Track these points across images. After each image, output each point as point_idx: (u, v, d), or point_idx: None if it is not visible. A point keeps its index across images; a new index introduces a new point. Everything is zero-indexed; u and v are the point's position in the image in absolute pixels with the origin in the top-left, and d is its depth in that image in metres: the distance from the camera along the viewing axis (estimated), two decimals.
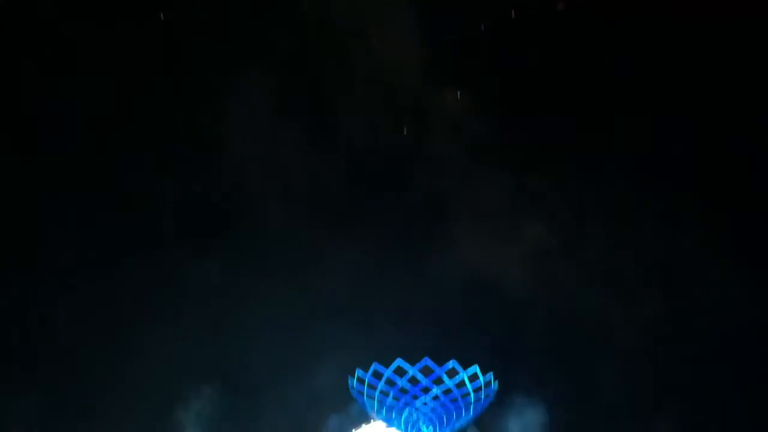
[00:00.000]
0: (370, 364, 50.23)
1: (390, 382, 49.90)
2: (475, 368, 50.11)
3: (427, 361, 49.86)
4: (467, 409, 50.63)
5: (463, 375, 49.90)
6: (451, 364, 49.89)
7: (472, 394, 50.11)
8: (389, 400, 49.96)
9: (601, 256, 55.69)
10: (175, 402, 48.11)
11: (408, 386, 49.72)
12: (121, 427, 46.39)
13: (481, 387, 50.24)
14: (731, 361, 49.66)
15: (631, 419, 50.82)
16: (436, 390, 49.71)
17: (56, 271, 52.34)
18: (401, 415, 50.45)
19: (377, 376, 50.08)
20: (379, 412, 51.46)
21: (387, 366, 50.00)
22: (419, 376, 49.72)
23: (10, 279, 49.78)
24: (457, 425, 52.72)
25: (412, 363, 49.94)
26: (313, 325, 55.67)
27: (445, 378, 49.79)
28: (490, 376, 50.49)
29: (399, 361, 49.92)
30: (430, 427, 50.76)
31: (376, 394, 50.11)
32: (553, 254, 55.45)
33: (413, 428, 50.88)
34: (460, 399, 50.15)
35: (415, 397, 49.89)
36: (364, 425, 57.78)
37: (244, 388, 52.31)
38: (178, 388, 48.23)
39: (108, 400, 47.19)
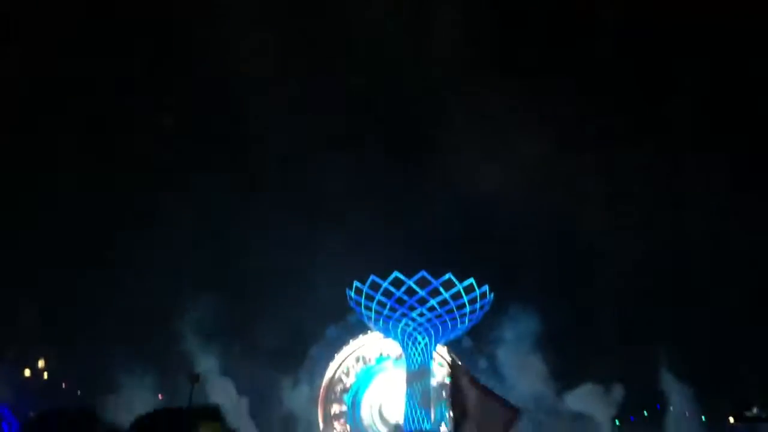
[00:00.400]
0: (368, 276, 50.97)
1: (387, 294, 50.66)
2: (471, 280, 50.79)
3: (423, 273, 50.53)
4: (462, 320, 51.62)
5: (459, 287, 50.62)
6: (448, 276, 50.55)
7: (467, 306, 50.93)
8: (386, 311, 50.78)
9: (600, 171, 55.36)
10: (174, 310, 49.00)
11: (405, 297, 50.45)
12: (121, 333, 47.23)
13: (476, 298, 51.08)
14: (725, 282, 49.99)
15: (624, 330, 51.69)
16: (432, 301, 50.43)
17: (54, 179, 52.11)
18: (398, 326, 51.41)
19: (375, 287, 50.82)
20: (376, 322, 52.52)
21: (385, 278, 50.72)
22: (416, 288, 50.44)
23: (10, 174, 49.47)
24: (452, 336, 53.98)
25: (410, 276, 50.63)
26: (313, 236, 56.12)
27: (442, 290, 50.52)
28: (486, 287, 51.25)
29: (396, 273, 50.61)
30: (426, 338, 51.78)
31: (374, 305, 51.00)
32: (553, 171, 55.19)
33: (409, 338, 51.93)
34: (455, 310, 50.90)
35: (412, 308, 50.61)
36: (361, 335, 59.27)
37: (243, 299, 53.27)
38: (177, 297, 48.98)
39: (107, 307, 47.85)
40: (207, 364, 48.65)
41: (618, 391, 49.39)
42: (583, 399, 48.80)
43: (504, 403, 12.70)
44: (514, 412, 12.12)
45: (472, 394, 13.28)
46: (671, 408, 50.01)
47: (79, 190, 52.58)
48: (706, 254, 51.22)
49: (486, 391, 13.27)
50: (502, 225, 55.87)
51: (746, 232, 48.22)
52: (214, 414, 5.72)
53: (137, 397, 44.85)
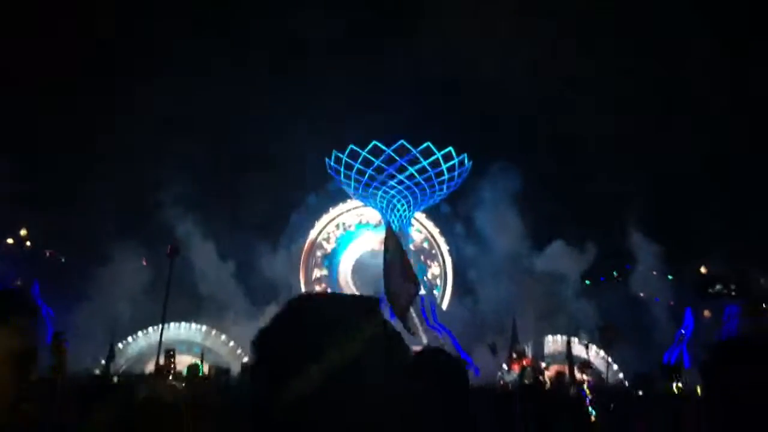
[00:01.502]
0: (348, 145, 51.09)
1: (366, 162, 51.02)
2: (450, 149, 51.18)
3: (402, 142, 50.72)
4: (440, 188, 52.45)
5: (438, 155, 51.04)
6: (426, 144, 50.83)
7: (445, 173, 51.58)
8: (365, 179, 51.32)
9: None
10: (156, 178, 49.13)
11: (384, 166, 50.88)
12: (104, 203, 47.39)
13: (454, 166, 51.66)
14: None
15: (598, 192, 52.71)
16: (411, 170, 50.94)
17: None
18: (377, 194, 52.16)
19: (354, 156, 51.08)
20: (355, 190, 53.21)
21: (364, 147, 50.89)
22: (395, 156, 50.79)
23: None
24: (431, 203, 55.07)
25: (389, 145, 50.82)
26: (295, 107, 55.52)
27: (420, 158, 50.94)
28: (464, 156, 51.74)
29: (375, 142, 50.76)
30: (405, 205, 52.76)
31: (353, 173, 51.47)
32: (537, 37, 54.09)
33: (388, 206, 52.88)
34: (434, 178, 51.57)
35: (391, 177, 51.16)
36: (341, 203, 60.22)
37: (224, 168, 53.32)
38: (163, 158, 48.93)
39: (89, 175, 47.67)
40: (187, 228, 49.44)
41: (590, 252, 51.37)
42: (556, 259, 50.61)
43: (414, 278, 14.50)
44: (415, 287, 14.25)
45: (400, 264, 14.77)
46: (639, 268, 52.23)
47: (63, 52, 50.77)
48: (686, 115, 51.49)
49: (408, 265, 14.86)
50: (484, 91, 55.44)
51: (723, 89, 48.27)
52: None
53: (123, 267, 45.89)
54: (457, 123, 57.51)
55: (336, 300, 1.57)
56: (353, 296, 1.59)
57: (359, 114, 56.64)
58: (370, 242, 60.60)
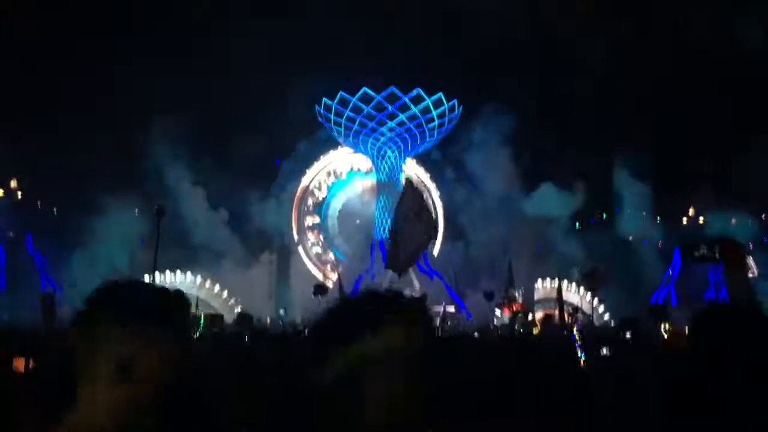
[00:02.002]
0: (338, 92, 50.77)
1: (356, 109, 50.79)
2: (440, 95, 50.99)
3: (392, 89, 50.45)
4: (431, 134, 52.43)
5: (428, 101, 50.89)
6: (416, 91, 50.60)
7: (436, 120, 51.51)
8: (356, 126, 51.19)
9: None
10: (146, 126, 48.79)
11: (374, 113, 50.68)
12: (92, 152, 47.12)
13: (445, 112, 51.56)
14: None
15: (589, 135, 52.74)
16: (401, 116, 50.80)
17: None
18: (367, 141, 52.12)
19: (344, 103, 50.83)
20: (345, 138, 53.12)
21: (353, 94, 50.60)
22: (385, 103, 50.56)
23: None
24: (421, 149, 55.10)
25: (378, 91, 50.54)
26: (284, 52, 54.80)
27: (410, 104, 50.75)
28: (454, 102, 51.62)
29: (365, 89, 50.46)
30: (395, 151, 52.80)
31: (343, 120, 51.29)
32: None
33: (379, 152, 52.90)
34: (424, 124, 51.51)
35: (381, 123, 51.05)
36: (331, 151, 60.10)
37: (215, 113, 52.84)
38: (151, 111, 48.56)
39: (77, 124, 47.25)
40: (177, 173, 49.46)
41: (579, 194, 51.80)
42: (545, 201, 50.98)
43: (433, 223, 14.63)
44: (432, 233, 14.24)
45: (416, 206, 14.89)
46: (628, 211, 52.77)
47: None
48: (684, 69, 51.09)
49: (426, 210, 15.00)
50: (476, 37, 54.77)
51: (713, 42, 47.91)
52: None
53: (116, 217, 45.97)
54: (449, 65, 56.91)
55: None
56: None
57: (350, 59, 56.03)
58: (362, 189, 60.82)
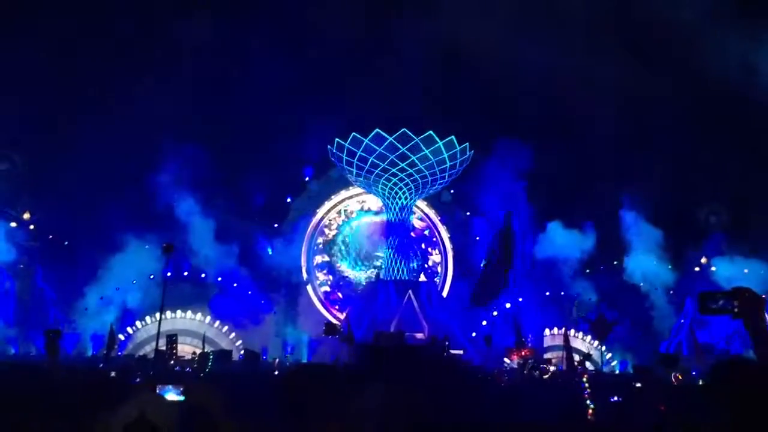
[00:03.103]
0: (351, 133, 51.28)
1: (369, 150, 51.19)
2: (452, 137, 51.38)
3: (404, 130, 50.89)
4: (442, 176, 52.66)
5: (440, 143, 51.23)
6: (429, 133, 51.01)
7: (447, 162, 51.78)
8: (367, 166, 51.51)
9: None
10: (158, 158, 49.37)
11: (386, 154, 51.02)
12: (102, 184, 47.53)
13: (456, 155, 51.87)
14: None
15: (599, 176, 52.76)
16: (413, 157, 51.11)
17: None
18: (378, 181, 52.36)
19: (356, 143, 51.27)
20: (357, 177, 53.42)
21: (366, 135, 51.08)
22: (397, 144, 50.93)
23: None
24: (432, 191, 55.32)
25: (391, 133, 50.98)
26: (299, 92, 55.49)
27: (422, 146, 51.10)
28: (466, 144, 51.96)
29: (377, 130, 50.94)
30: (406, 192, 52.99)
31: (355, 160, 51.67)
32: (534, 26, 53.72)
33: (390, 193, 53.11)
34: (435, 166, 51.77)
35: (393, 164, 51.34)
36: (342, 190, 60.43)
37: (229, 149, 53.23)
38: (163, 146, 49.12)
39: (89, 153, 47.68)
40: (188, 210, 49.95)
41: (589, 237, 51.94)
42: (555, 241, 51.06)
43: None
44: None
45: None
46: (639, 256, 52.66)
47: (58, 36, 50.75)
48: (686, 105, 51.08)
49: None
50: (486, 79, 55.33)
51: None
52: None
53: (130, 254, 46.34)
54: (461, 108, 57.28)
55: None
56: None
57: (361, 103, 56.64)
58: (371, 228, 60.98)
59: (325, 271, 60.85)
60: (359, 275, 60.51)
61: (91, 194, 47.66)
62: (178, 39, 52.78)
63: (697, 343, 41.49)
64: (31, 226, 51.57)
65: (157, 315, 45.14)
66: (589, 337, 43.74)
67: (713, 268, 51.76)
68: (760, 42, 47.15)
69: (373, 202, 59.91)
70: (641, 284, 53.03)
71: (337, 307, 58.60)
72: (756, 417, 2.70)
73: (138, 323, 45.52)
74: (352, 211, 61.90)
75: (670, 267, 53.07)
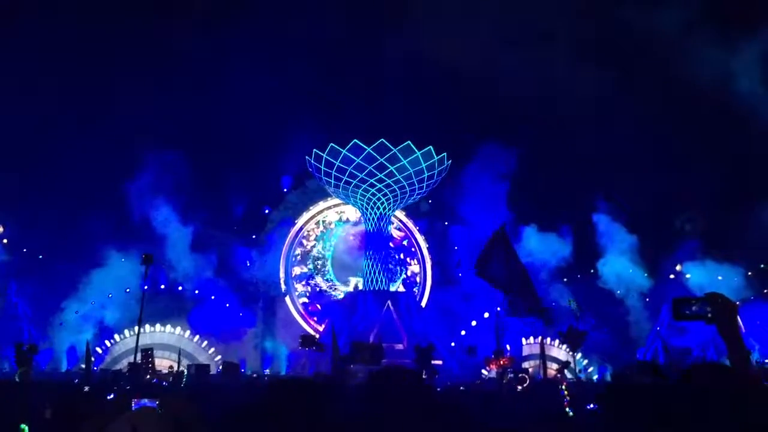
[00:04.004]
0: (329, 144, 51.24)
1: (347, 161, 51.14)
2: (429, 148, 51.52)
3: (382, 141, 50.93)
4: (420, 186, 52.75)
5: (417, 154, 51.32)
6: (406, 143, 51.09)
7: (425, 172, 51.89)
8: (345, 177, 51.45)
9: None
10: (134, 169, 49.10)
11: (364, 164, 51.01)
12: (87, 180, 47.10)
13: (434, 165, 52.00)
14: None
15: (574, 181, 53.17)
16: (390, 168, 51.13)
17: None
18: (357, 192, 52.29)
19: (334, 154, 51.20)
20: (335, 188, 53.33)
21: (344, 146, 51.05)
22: (375, 155, 50.94)
23: None
24: (410, 201, 55.38)
25: (369, 143, 51.01)
26: (278, 102, 55.42)
27: (400, 156, 51.14)
28: (444, 155, 52.14)
29: (355, 141, 50.93)
30: (385, 203, 52.97)
31: (333, 171, 51.59)
32: (519, 37, 54.19)
33: (368, 204, 53.07)
34: (414, 176, 51.83)
35: (371, 175, 51.31)
36: (320, 201, 60.33)
37: (210, 158, 52.97)
38: (139, 157, 48.90)
39: (64, 165, 47.22)
40: (166, 222, 49.62)
41: (566, 242, 52.47)
42: (530, 246, 51.54)
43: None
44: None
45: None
46: (614, 263, 53.19)
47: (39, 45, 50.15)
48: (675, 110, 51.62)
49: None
50: (463, 90, 55.72)
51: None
52: None
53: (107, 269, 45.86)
54: (439, 120, 57.61)
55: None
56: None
57: (342, 111, 56.72)
58: (348, 239, 60.96)
59: (303, 282, 60.61)
60: (337, 286, 60.36)
61: (66, 208, 47.24)
62: (158, 52, 52.64)
63: (668, 350, 41.84)
64: (5, 240, 50.75)
65: (135, 329, 44.89)
66: (564, 346, 43.92)
67: (688, 275, 52.28)
68: (735, 50, 48.11)
69: (352, 212, 59.89)
70: (617, 291, 53.49)
71: (315, 318, 58.33)
72: (726, 417, 2.76)
73: (116, 336, 44.98)
74: (330, 222, 61.82)
75: (645, 274, 53.53)
